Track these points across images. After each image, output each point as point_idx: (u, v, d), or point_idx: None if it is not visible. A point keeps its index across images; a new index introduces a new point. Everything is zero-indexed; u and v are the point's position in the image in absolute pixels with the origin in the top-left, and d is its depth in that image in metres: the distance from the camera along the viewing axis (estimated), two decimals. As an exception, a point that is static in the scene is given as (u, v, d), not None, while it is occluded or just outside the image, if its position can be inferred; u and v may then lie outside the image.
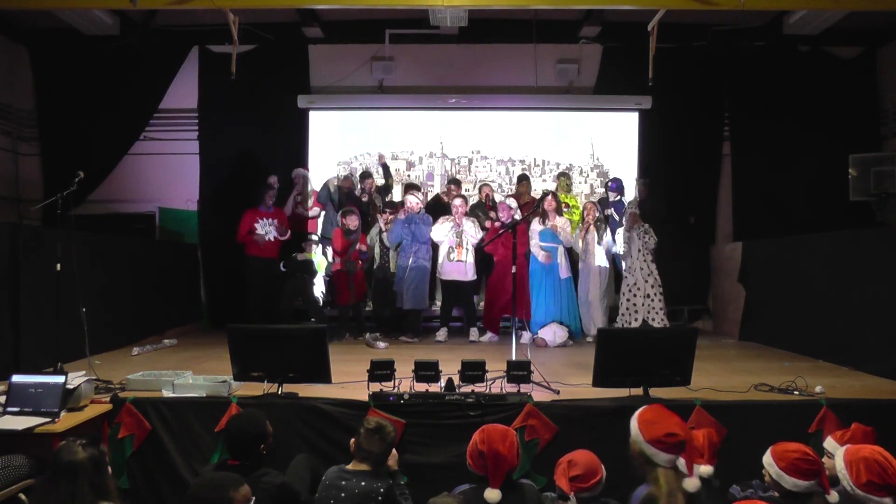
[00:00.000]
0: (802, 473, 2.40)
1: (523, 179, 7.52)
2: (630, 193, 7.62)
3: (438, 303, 7.19)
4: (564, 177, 7.69)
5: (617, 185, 7.45)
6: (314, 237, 7.20)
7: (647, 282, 6.56)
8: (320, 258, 7.15)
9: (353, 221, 6.68)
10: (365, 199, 7.36)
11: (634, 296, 6.59)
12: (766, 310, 6.43)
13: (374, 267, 6.99)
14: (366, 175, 7.65)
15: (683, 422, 2.54)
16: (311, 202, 7.81)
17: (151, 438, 3.69)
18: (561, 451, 3.09)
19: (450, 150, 8.50)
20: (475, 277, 6.72)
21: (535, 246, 6.45)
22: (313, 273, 6.99)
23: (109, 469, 2.56)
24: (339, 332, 6.67)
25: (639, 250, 6.60)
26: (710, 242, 8.16)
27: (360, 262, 6.75)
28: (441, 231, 6.61)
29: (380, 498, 2.78)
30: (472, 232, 6.57)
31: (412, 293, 6.53)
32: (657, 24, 6.39)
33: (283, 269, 6.96)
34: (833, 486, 2.51)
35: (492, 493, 2.49)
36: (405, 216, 6.65)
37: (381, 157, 7.82)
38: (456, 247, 6.55)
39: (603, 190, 7.90)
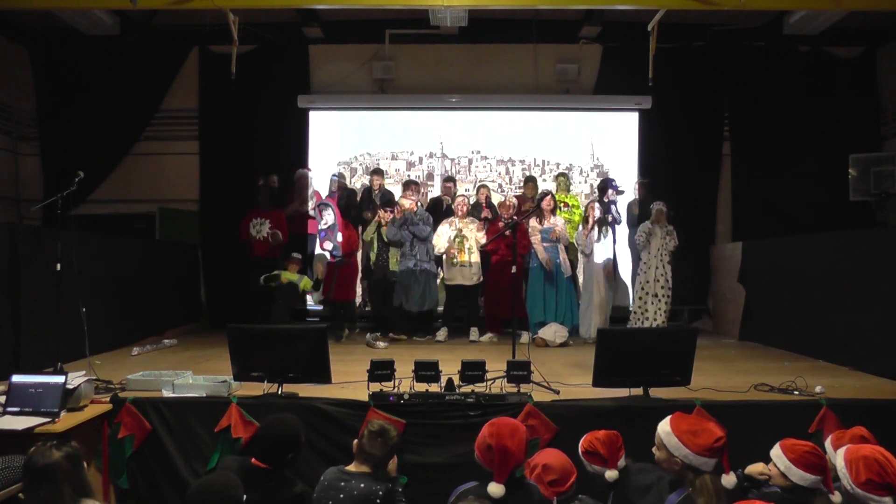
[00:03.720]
0: (811, 467, 2.43)
1: (530, 181, 7.48)
2: (629, 193, 7.60)
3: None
4: (563, 177, 7.69)
5: (613, 185, 7.43)
6: (298, 255, 7.02)
7: (657, 281, 6.57)
8: (303, 277, 6.99)
9: (328, 217, 6.66)
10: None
11: (647, 293, 6.59)
12: (766, 310, 6.43)
13: (373, 265, 6.91)
14: (376, 171, 7.65)
15: (715, 420, 2.54)
16: (311, 203, 7.80)
17: (151, 438, 3.69)
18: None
19: (450, 150, 8.49)
20: (481, 279, 6.68)
21: (538, 244, 6.42)
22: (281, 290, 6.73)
23: (85, 464, 2.52)
24: None
25: (658, 249, 6.60)
26: (710, 242, 8.15)
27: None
28: (441, 239, 6.56)
29: (378, 500, 2.78)
30: (477, 235, 6.55)
31: (425, 294, 6.50)
32: (657, 24, 6.39)
33: (261, 282, 6.70)
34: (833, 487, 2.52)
35: (495, 488, 2.45)
36: (401, 215, 6.58)
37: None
38: (457, 251, 6.55)
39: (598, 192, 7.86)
